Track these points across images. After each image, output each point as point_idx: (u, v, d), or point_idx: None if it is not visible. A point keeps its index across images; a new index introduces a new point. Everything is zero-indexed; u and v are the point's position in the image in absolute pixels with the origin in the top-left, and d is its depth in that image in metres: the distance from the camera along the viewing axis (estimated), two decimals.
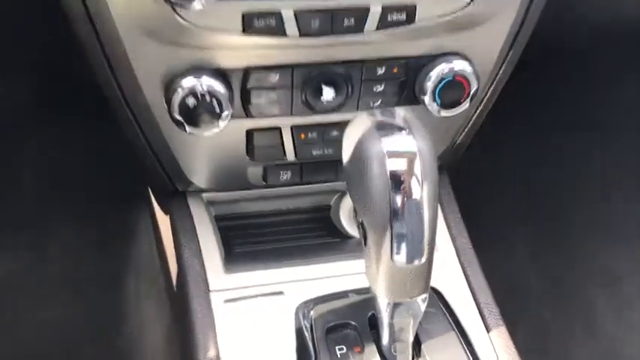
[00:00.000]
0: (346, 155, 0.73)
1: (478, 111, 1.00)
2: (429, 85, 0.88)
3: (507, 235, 1.73)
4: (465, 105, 0.90)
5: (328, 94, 0.88)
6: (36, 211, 1.59)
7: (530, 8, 0.90)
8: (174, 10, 0.75)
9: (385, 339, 0.79)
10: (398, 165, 0.67)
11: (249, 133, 0.93)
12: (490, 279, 1.05)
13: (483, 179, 1.66)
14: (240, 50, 0.82)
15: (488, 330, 0.91)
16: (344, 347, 0.82)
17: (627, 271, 1.68)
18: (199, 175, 1.00)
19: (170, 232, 1.09)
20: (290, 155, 0.97)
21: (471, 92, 0.89)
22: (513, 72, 0.99)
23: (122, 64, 0.83)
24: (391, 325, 0.76)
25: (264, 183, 1.02)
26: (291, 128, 0.94)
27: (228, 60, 0.83)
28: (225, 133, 0.87)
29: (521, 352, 0.95)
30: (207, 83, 0.82)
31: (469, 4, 0.82)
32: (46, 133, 1.59)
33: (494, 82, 0.96)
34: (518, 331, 1.04)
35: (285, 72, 0.85)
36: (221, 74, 0.84)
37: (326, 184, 1.06)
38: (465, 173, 1.17)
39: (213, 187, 1.04)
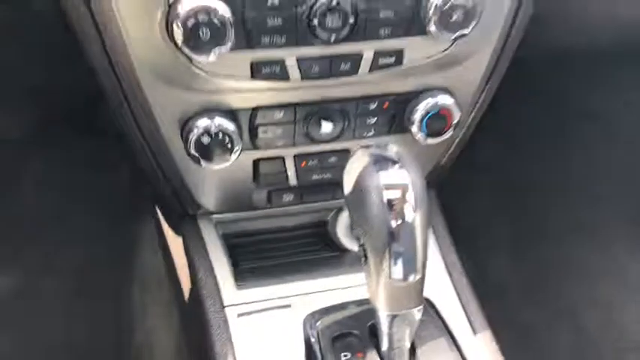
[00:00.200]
0: (348, 187, 0.81)
1: (461, 135, 1.10)
2: (416, 117, 0.98)
3: (490, 235, 1.82)
4: (449, 133, 1.00)
5: (327, 127, 0.97)
6: (41, 225, 1.64)
7: (507, 43, 0.99)
8: (190, 61, 0.83)
9: (384, 346, 0.87)
10: (393, 195, 0.76)
11: (256, 163, 1.02)
12: (476, 281, 1.15)
13: (463, 181, 1.74)
14: (249, 93, 0.91)
15: (474, 333, 1.02)
16: (348, 354, 0.91)
17: (607, 269, 1.76)
18: (209, 199, 1.09)
19: (181, 250, 1.18)
20: (292, 180, 1.06)
21: (454, 122, 0.99)
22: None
23: (142, 107, 0.91)
24: (390, 334, 0.85)
25: (269, 205, 1.11)
26: (294, 157, 1.02)
27: (238, 101, 0.92)
28: (234, 163, 0.96)
29: (506, 351, 1.06)
30: (220, 122, 0.91)
31: (450, 47, 0.91)
32: (53, 150, 1.64)
33: (475, 110, 1.06)
34: (503, 331, 1.13)
35: (288, 110, 0.95)
36: (231, 114, 0.93)
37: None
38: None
39: (221, 210, 1.14)
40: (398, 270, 0.78)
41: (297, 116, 0.96)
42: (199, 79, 0.86)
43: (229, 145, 0.92)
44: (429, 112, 0.97)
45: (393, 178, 0.77)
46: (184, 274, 1.17)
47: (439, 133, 1.00)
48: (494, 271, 1.68)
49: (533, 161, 1.92)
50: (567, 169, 1.92)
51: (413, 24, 0.87)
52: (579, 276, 1.74)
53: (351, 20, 0.83)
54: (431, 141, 1.01)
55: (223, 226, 1.17)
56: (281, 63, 0.87)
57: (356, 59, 0.89)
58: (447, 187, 1.26)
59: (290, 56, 0.86)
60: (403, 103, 0.98)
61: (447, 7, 0.84)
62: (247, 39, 0.83)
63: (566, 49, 1.48)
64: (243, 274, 1.10)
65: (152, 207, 1.42)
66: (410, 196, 0.76)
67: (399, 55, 0.90)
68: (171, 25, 0.78)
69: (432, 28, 0.86)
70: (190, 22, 0.77)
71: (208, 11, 0.77)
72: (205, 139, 0.91)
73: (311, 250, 1.22)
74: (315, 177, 1.06)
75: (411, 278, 0.79)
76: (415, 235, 0.77)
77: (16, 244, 1.60)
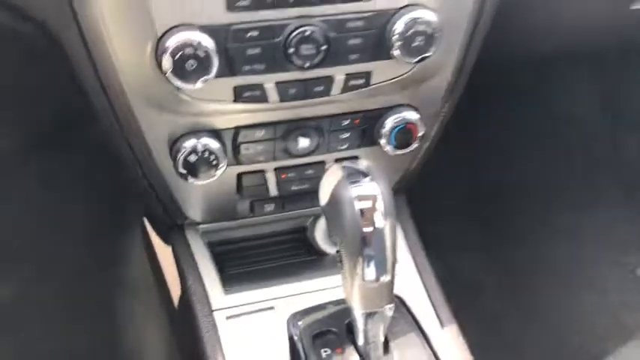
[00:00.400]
0: (324, 199, 0.89)
1: (426, 145, 1.19)
2: (385, 131, 1.07)
3: (459, 236, 1.90)
4: (415, 145, 1.09)
5: (304, 142, 1.06)
6: (30, 237, 1.67)
7: (465, 61, 1.08)
8: (178, 89, 0.91)
9: (361, 341, 0.94)
10: (365, 205, 0.84)
11: (239, 176, 1.10)
12: (446, 278, 1.24)
13: (432, 186, 1.82)
14: (232, 114, 0.99)
15: (442, 327, 1.11)
16: (328, 350, 0.98)
17: (573, 266, 1.84)
18: (196, 211, 1.17)
19: (169, 258, 1.26)
20: (273, 191, 1.14)
21: (419, 135, 1.08)
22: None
23: (133, 129, 0.99)
24: (365, 330, 0.92)
25: (252, 214, 1.19)
26: (274, 170, 1.10)
27: (222, 122, 1.00)
28: (219, 178, 1.04)
29: (474, 343, 1.15)
30: (206, 142, 0.99)
31: (413, 69, 1.00)
32: (41, 162, 1.68)
33: (438, 123, 1.15)
34: (472, 324, 1.22)
35: (268, 128, 1.03)
36: (216, 133, 1.01)
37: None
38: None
39: (207, 220, 1.21)
40: (370, 272, 0.86)
41: (277, 134, 1.04)
42: (186, 104, 0.94)
43: (214, 162, 1.00)
44: (396, 127, 1.06)
45: (364, 190, 0.85)
46: (173, 281, 1.25)
47: (406, 145, 1.09)
48: (463, 270, 1.77)
49: (500, 165, 2.02)
50: (534, 170, 2.03)
51: (379, 50, 0.95)
52: (547, 274, 1.83)
53: (323, 48, 0.92)
54: (399, 152, 1.10)
55: (209, 235, 1.25)
56: (261, 87, 0.95)
57: (328, 82, 0.97)
58: (416, 193, 1.35)
59: (269, 81, 0.94)
60: (373, 119, 1.07)
61: (409, 34, 0.93)
62: (230, 67, 0.91)
63: (526, 56, 1.58)
64: (230, 280, 1.17)
65: (140, 218, 1.49)
66: (379, 205, 0.84)
67: (367, 77, 0.99)
68: (161, 57, 0.86)
69: (396, 53, 0.94)
70: (178, 55, 0.85)
71: (194, 44, 0.85)
72: (192, 158, 0.99)
73: (292, 254, 1.30)
74: (294, 187, 1.14)
75: (383, 279, 0.86)
76: (385, 240, 0.85)
77: (6, 255, 1.63)
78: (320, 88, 0.97)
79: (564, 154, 2.05)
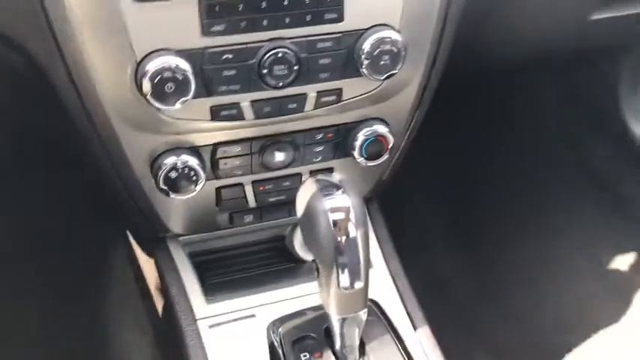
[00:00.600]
0: (300, 211, 0.94)
1: (396, 156, 1.24)
2: (357, 144, 1.11)
3: (431, 240, 1.97)
4: (385, 156, 1.14)
5: (280, 157, 1.10)
6: (12, 251, 1.67)
7: (431, 76, 1.14)
8: (157, 109, 0.94)
9: (338, 345, 0.99)
10: (338, 217, 0.89)
11: (218, 190, 1.14)
12: (418, 281, 1.30)
13: (405, 193, 1.88)
14: (209, 132, 1.03)
15: (415, 329, 1.16)
16: (307, 354, 1.03)
17: (542, 264, 1.89)
18: (177, 224, 1.21)
19: (152, 269, 1.30)
20: (251, 203, 1.18)
21: (390, 146, 1.13)
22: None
23: (114, 147, 1.02)
24: (342, 335, 0.97)
25: (231, 225, 1.23)
26: (252, 183, 1.14)
27: (200, 139, 1.04)
28: (199, 192, 1.07)
29: (446, 343, 1.21)
30: (185, 159, 1.03)
31: (381, 85, 1.05)
32: (23, 175, 1.69)
33: (407, 135, 1.20)
34: (444, 324, 1.28)
35: (245, 144, 1.07)
36: (195, 150, 1.05)
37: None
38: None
39: (188, 232, 1.25)
40: (345, 279, 0.90)
41: (253, 149, 1.08)
42: (166, 124, 0.98)
43: (194, 178, 1.04)
44: (367, 139, 1.11)
45: (337, 202, 0.90)
46: (156, 291, 1.29)
47: (377, 157, 1.14)
48: (436, 271, 1.83)
49: (469, 170, 2.09)
50: (504, 173, 2.10)
51: (348, 68, 1.00)
52: (518, 273, 1.89)
53: (296, 68, 0.96)
54: (370, 163, 1.14)
55: (190, 246, 1.29)
56: (237, 106, 0.99)
57: (301, 99, 1.02)
58: (389, 200, 1.41)
59: (244, 100, 0.99)
60: (345, 132, 1.12)
61: (376, 53, 0.98)
62: (206, 88, 0.95)
63: (493, 63, 1.65)
64: (212, 289, 1.22)
65: (123, 231, 1.52)
66: (352, 216, 0.90)
67: (338, 93, 1.03)
68: (140, 81, 0.90)
69: (365, 71, 0.99)
70: (157, 78, 0.89)
71: (172, 67, 0.89)
72: (173, 174, 1.02)
73: (271, 262, 1.34)
74: (271, 199, 1.18)
75: (357, 285, 0.91)
76: (358, 249, 0.90)
77: None
78: (294, 106, 1.02)
79: (533, 157, 2.12)
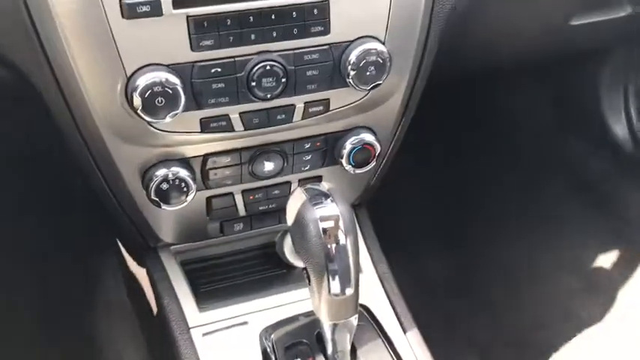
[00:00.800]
0: (290, 220, 0.96)
1: (383, 163, 1.27)
2: (345, 152, 1.13)
3: (420, 244, 1.98)
4: (373, 164, 1.16)
5: (269, 166, 1.12)
6: (2, 260, 1.67)
7: (416, 85, 1.16)
8: (148, 123, 0.96)
9: (330, 350, 1.00)
10: (327, 225, 0.91)
11: (209, 199, 1.15)
12: (406, 284, 1.32)
13: (393, 199, 1.89)
14: (200, 143, 1.05)
15: (405, 333, 1.19)
16: None
17: (526, 268, 1.92)
18: (169, 234, 1.22)
19: (143, 278, 1.31)
20: (241, 212, 1.19)
21: (376, 154, 1.15)
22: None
23: (105, 160, 1.04)
24: (333, 340, 0.99)
25: (222, 234, 1.24)
26: (242, 192, 1.16)
27: (190, 151, 1.06)
28: (189, 202, 1.09)
29: (436, 344, 1.23)
30: (176, 170, 1.04)
31: (367, 94, 1.07)
32: (16, 185, 1.70)
33: (393, 142, 1.23)
34: (433, 326, 1.31)
35: (234, 154, 1.09)
36: (185, 162, 1.06)
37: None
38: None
39: (179, 242, 1.27)
40: (336, 285, 0.92)
41: (243, 159, 1.10)
42: (156, 136, 0.99)
43: (185, 189, 1.06)
44: (354, 148, 1.13)
45: (326, 211, 0.92)
46: (149, 300, 1.30)
47: (364, 164, 1.16)
48: (423, 274, 1.86)
49: (455, 172, 2.11)
50: (486, 175, 2.13)
51: (335, 79, 1.02)
52: (505, 274, 1.91)
53: (283, 80, 0.98)
54: (358, 171, 1.17)
55: (181, 255, 1.30)
56: (226, 118, 1.01)
57: (290, 110, 1.04)
58: (376, 204, 1.43)
59: (233, 112, 1.00)
60: (333, 141, 1.14)
61: (361, 64, 1.00)
62: (196, 101, 0.96)
63: (473, 71, 1.68)
64: (204, 297, 1.23)
65: (114, 240, 1.52)
66: (341, 224, 0.91)
67: (325, 103, 1.05)
68: (131, 95, 0.91)
69: (351, 81, 1.02)
70: (147, 93, 0.90)
71: (162, 82, 0.91)
72: (164, 186, 1.04)
73: (262, 269, 1.35)
74: (261, 207, 1.20)
75: (347, 292, 0.93)
76: (348, 256, 0.92)
77: None
78: (282, 116, 1.04)
79: (517, 158, 2.15)
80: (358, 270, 0.96)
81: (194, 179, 1.07)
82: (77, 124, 1.00)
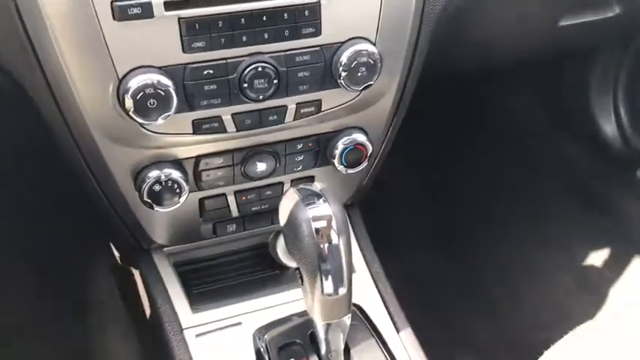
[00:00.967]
0: (282, 220, 0.96)
1: (375, 163, 1.27)
2: (337, 152, 1.14)
3: (412, 242, 2.00)
4: (365, 164, 1.17)
5: (261, 167, 1.12)
6: None
7: (407, 85, 1.17)
8: (140, 125, 0.96)
9: (323, 350, 1.01)
10: (320, 225, 0.91)
11: (201, 201, 1.16)
12: (399, 283, 1.33)
13: (386, 198, 1.90)
14: (192, 145, 1.05)
15: (398, 332, 1.19)
16: None
17: (519, 261, 1.93)
18: (162, 236, 1.22)
19: (137, 281, 1.31)
20: (234, 213, 1.20)
21: (368, 154, 1.16)
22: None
23: (97, 162, 1.04)
24: (327, 340, 0.99)
25: (215, 235, 1.25)
26: (234, 193, 1.16)
27: (183, 152, 1.06)
28: (182, 204, 1.09)
29: (429, 343, 1.24)
30: (168, 172, 1.04)
31: (359, 95, 1.08)
32: (6, 187, 1.69)
33: (385, 142, 1.23)
34: (426, 325, 1.31)
35: (227, 156, 1.09)
36: (178, 163, 1.06)
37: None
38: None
39: (172, 243, 1.27)
40: (329, 285, 0.93)
41: (235, 160, 1.10)
42: (148, 138, 0.99)
43: (177, 190, 1.06)
44: (346, 148, 1.14)
45: (319, 211, 0.92)
46: (142, 302, 1.30)
47: (356, 164, 1.17)
48: (417, 273, 1.86)
49: (447, 172, 2.12)
50: (481, 174, 2.14)
51: (327, 80, 1.03)
52: (496, 271, 1.93)
53: (275, 81, 0.99)
54: (350, 171, 1.17)
55: (174, 256, 1.30)
56: (218, 119, 1.01)
57: (282, 111, 1.04)
58: (369, 203, 1.43)
59: (226, 113, 1.01)
60: (325, 141, 1.15)
61: (353, 65, 1.01)
62: (188, 103, 0.97)
63: (464, 71, 1.69)
64: (197, 298, 1.23)
65: (106, 242, 1.52)
66: (333, 223, 0.92)
67: (317, 104, 1.06)
68: (123, 97, 0.91)
69: (343, 82, 1.02)
70: (139, 95, 0.90)
71: (154, 84, 0.91)
72: (157, 188, 1.04)
73: (255, 270, 1.35)
74: (254, 208, 1.20)
75: (341, 292, 0.94)
76: (340, 256, 0.93)
77: None
78: (274, 117, 1.04)
79: (509, 158, 2.16)
80: (351, 270, 0.96)
81: (186, 180, 1.07)
82: (69, 126, 0.99)
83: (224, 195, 1.16)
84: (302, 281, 0.97)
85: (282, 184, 1.19)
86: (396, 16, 1.04)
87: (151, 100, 0.91)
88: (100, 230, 1.43)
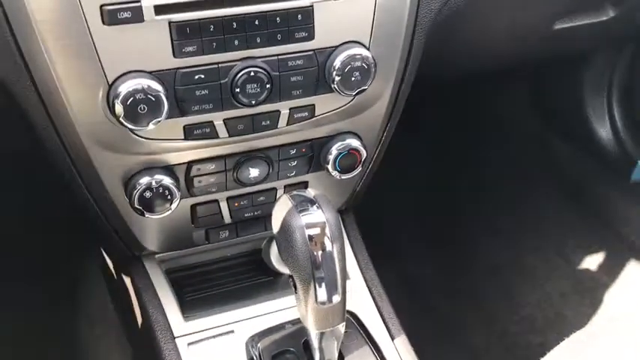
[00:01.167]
0: (276, 227, 0.95)
1: (369, 169, 1.26)
2: (330, 157, 1.13)
3: (406, 247, 1.99)
4: (359, 169, 1.16)
5: (254, 173, 1.11)
6: None
7: (401, 90, 1.16)
8: (130, 131, 0.95)
9: (317, 358, 1.00)
10: (314, 232, 0.90)
11: (193, 207, 1.14)
12: (393, 288, 1.31)
13: (380, 203, 1.90)
14: (183, 151, 1.03)
15: (392, 339, 1.18)
16: None
17: (513, 264, 1.94)
18: (153, 242, 1.21)
19: (129, 289, 1.29)
20: (227, 219, 1.18)
21: (362, 159, 1.15)
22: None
23: (87, 168, 1.02)
24: (320, 348, 0.98)
25: (207, 242, 1.23)
26: (227, 199, 1.15)
27: (174, 158, 1.04)
28: (174, 210, 1.08)
29: (423, 349, 1.23)
30: (159, 178, 1.03)
31: (353, 100, 1.07)
32: None
33: (379, 147, 1.22)
34: (420, 330, 1.30)
35: (219, 161, 1.07)
36: (169, 169, 1.05)
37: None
38: None
39: (164, 250, 1.25)
40: (322, 294, 0.92)
41: (227, 166, 1.09)
42: (139, 144, 0.98)
43: (169, 197, 1.04)
44: (340, 153, 1.13)
45: (312, 218, 0.91)
46: (134, 310, 1.28)
47: (350, 170, 1.15)
48: (410, 277, 1.86)
49: (441, 175, 2.12)
50: (472, 178, 2.14)
51: (320, 84, 1.02)
52: (492, 276, 1.93)
53: (268, 86, 0.97)
54: (344, 176, 1.16)
55: (166, 263, 1.28)
56: (210, 124, 0.99)
57: (275, 116, 1.03)
58: (363, 208, 1.42)
59: (218, 119, 0.99)
60: (318, 146, 1.13)
61: (346, 70, 0.99)
62: (179, 108, 0.95)
63: (458, 75, 1.69)
64: (189, 306, 1.22)
65: (97, 248, 1.51)
66: (327, 231, 0.91)
67: (311, 109, 1.05)
68: (113, 103, 0.90)
69: (336, 87, 1.01)
70: (129, 100, 0.89)
71: (144, 89, 0.89)
72: (148, 194, 1.02)
73: (248, 276, 1.33)
74: (247, 214, 1.19)
75: (334, 300, 0.93)
76: (334, 263, 0.92)
77: None
78: (267, 122, 1.03)
79: (503, 161, 2.16)
80: (345, 278, 0.95)
81: (178, 187, 1.06)
82: (58, 132, 0.98)
83: (216, 201, 1.15)
84: (295, 289, 0.96)
85: (275, 190, 1.17)
86: (390, 20, 1.03)
87: (142, 106, 0.90)
88: (91, 237, 1.42)
